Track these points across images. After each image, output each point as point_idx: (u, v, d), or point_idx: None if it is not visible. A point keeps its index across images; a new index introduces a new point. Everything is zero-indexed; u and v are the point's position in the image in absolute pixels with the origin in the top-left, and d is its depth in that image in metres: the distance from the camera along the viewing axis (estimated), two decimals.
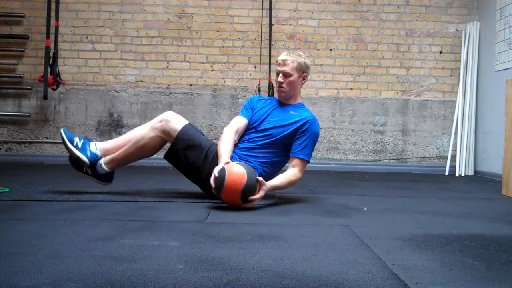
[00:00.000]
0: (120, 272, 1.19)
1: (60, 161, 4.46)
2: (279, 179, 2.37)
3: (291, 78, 2.44)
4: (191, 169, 2.41)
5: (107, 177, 2.49)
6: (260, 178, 2.22)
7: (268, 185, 2.27)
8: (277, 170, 2.53)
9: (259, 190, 2.21)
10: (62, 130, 2.45)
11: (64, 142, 2.42)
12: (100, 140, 2.68)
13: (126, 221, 1.85)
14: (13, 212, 1.98)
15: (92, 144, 2.45)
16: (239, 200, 2.15)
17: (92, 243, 1.47)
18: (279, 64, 2.48)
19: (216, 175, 2.15)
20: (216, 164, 2.27)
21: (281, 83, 2.46)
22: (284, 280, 1.16)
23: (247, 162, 2.38)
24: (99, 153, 2.44)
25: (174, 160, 2.45)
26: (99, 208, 2.13)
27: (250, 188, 2.14)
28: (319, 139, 4.76)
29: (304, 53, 2.60)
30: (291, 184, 2.41)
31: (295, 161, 2.43)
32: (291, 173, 2.41)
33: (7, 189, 2.54)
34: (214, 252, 1.41)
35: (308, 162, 2.47)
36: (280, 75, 2.45)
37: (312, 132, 2.45)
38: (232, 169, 2.14)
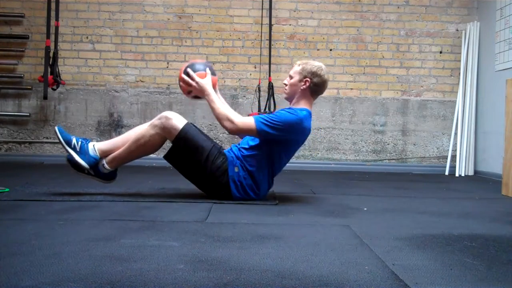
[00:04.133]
0: (120, 272, 1.19)
1: (60, 161, 4.44)
2: (221, 101, 2.46)
3: (292, 80, 2.50)
4: (191, 170, 2.40)
5: (110, 176, 2.48)
6: (208, 74, 2.44)
7: (206, 82, 2.41)
8: (258, 165, 2.40)
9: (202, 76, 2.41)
10: (56, 129, 2.39)
11: (62, 145, 2.38)
12: (100, 141, 2.66)
13: (126, 221, 1.85)
14: (13, 212, 1.98)
15: (90, 145, 2.41)
16: (182, 71, 2.44)
17: (92, 243, 1.47)
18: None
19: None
20: (218, 166, 2.35)
21: (285, 84, 2.55)
22: (284, 280, 1.16)
23: (241, 161, 2.40)
24: (98, 155, 2.41)
25: (175, 160, 2.42)
26: (99, 208, 2.13)
27: (195, 67, 2.44)
28: (318, 140, 4.86)
29: (315, 61, 2.57)
30: (220, 114, 2.36)
31: (248, 117, 2.41)
32: (233, 113, 2.39)
33: (7, 189, 2.54)
34: (214, 252, 1.41)
35: (256, 129, 2.32)
36: (288, 77, 2.55)
37: (282, 112, 2.39)
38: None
